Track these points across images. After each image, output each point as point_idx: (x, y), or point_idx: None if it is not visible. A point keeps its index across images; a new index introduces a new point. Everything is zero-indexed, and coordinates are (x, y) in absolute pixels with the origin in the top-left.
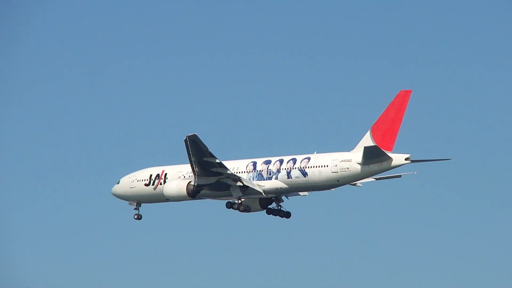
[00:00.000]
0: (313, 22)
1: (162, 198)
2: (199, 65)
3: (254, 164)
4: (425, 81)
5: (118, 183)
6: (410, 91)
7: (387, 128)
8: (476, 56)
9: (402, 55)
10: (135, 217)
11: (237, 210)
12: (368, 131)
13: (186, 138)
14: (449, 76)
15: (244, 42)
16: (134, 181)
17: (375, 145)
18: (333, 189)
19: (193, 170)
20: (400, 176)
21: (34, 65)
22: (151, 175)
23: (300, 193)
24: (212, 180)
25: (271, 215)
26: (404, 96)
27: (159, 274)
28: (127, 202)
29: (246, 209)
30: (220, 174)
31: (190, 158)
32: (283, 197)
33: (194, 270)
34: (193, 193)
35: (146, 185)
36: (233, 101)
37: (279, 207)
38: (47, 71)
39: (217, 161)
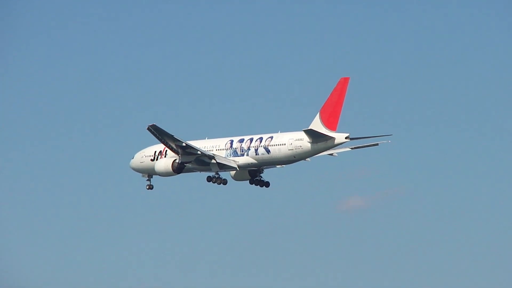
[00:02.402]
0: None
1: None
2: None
3: (231, 142)
4: (363, 68)
5: (133, 158)
6: (348, 78)
7: (332, 111)
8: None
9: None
10: (147, 187)
11: (215, 183)
12: (318, 113)
13: (148, 127)
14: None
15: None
16: (143, 156)
17: (311, 128)
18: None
19: (172, 150)
20: (377, 144)
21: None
22: (155, 151)
23: (277, 165)
24: (192, 158)
25: (253, 184)
26: (343, 83)
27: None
28: (140, 174)
29: (223, 182)
30: (195, 153)
31: (162, 142)
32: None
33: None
34: (178, 169)
35: (151, 160)
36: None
37: (260, 177)
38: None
39: (183, 144)
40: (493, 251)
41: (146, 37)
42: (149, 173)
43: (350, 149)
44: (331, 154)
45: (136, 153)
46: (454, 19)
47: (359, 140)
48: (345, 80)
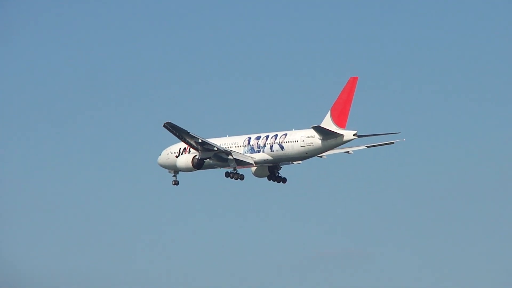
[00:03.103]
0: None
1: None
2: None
3: (249, 139)
4: (372, 68)
5: (160, 154)
6: (357, 77)
7: (341, 109)
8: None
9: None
10: (173, 183)
11: (233, 179)
12: (329, 112)
13: (164, 124)
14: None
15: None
16: (169, 153)
17: (319, 125)
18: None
19: (192, 147)
20: (393, 143)
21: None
22: (180, 148)
23: (294, 162)
24: (210, 154)
25: (271, 180)
26: (352, 82)
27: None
28: (167, 170)
29: (240, 177)
30: (213, 149)
31: (180, 139)
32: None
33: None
34: (198, 165)
35: (176, 156)
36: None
37: (277, 174)
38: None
39: (199, 140)
40: (493, 251)
41: (164, 33)
42: (175, 169)
43: (366, 147)
44: (347, 152)
45: (163, 150)
46: (461, 17)
47: (373, 138)
48: (354, 79)
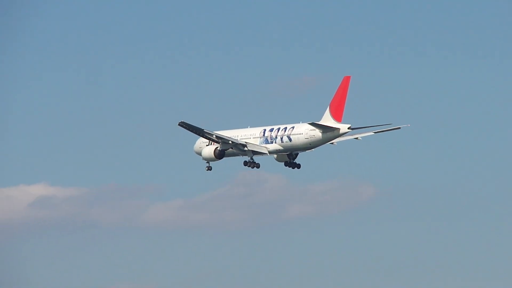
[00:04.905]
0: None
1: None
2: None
3: (264, 131)
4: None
5: (195, 143)
6: (350, 76)
7: (338, 104)
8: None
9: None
10: (206, 169)
11: (250, 167)
12: (328, 107)
13: (179, 124)
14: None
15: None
16: (201, 142)
17: (312, 122)
18: (312, 149)
19: (212, 140)
20: (399, 128)
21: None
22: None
23: (306, 150)
24: (229, 145)
25: (287, 166)
26: (346, 80)
27: None
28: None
29: (256, 166)
30: (228, 142)
31: (198, 134)
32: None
33: None
34: (219, 155)
35: (206, 146)
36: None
37: (293, 160)
38: None
39: (214, 137)
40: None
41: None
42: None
43: (373, 133)
44: (356, 138)
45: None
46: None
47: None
48: (347, 78)
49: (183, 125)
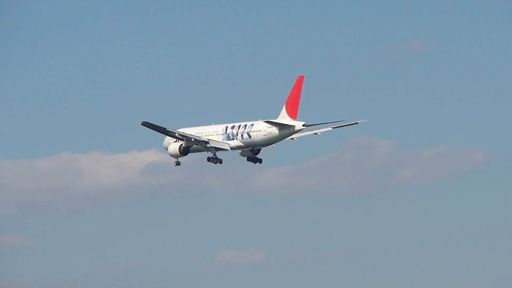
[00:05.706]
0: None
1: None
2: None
3: (226, 128)
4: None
5: (164, 140)
6: (303, 76)
7: (293, 103)
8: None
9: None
10: (175, 164)
11: (213, 163)
12: (284, 105)
13: (142, 123)
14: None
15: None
16: (170, 139)
17: (268, 120)
18: (273, 145)
19: (176, 138)
20: (357, 123)
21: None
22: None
23: (267, 146)
24: (192, 142)
25: (249, 161)
26: (300, 80)
27: None
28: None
29: (219, 161)
30: (191, 140)
31: (162, 133)
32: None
33: None
34: (184, 151)
35: (174, 142)
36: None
37: (255, 156)
38: None
39: (177, 134)
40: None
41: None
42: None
43: (331, 128)
44: (316, 133)
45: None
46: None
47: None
48: (301, 77)
49: (146, 124)
